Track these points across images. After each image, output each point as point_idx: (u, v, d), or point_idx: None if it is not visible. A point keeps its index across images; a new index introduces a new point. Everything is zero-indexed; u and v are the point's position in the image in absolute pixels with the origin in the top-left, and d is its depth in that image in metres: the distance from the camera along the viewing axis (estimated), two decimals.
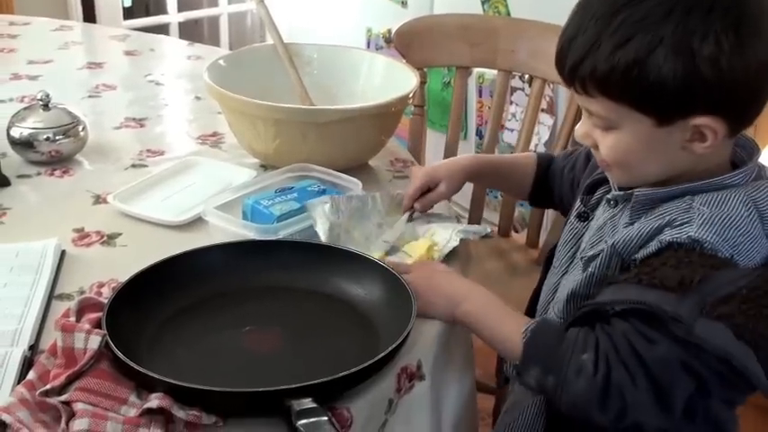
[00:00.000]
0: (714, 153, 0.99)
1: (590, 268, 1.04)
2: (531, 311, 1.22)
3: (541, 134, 2.65)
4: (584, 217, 1.14)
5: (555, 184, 1.33)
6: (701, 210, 0.95)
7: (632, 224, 1.02)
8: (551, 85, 2.39)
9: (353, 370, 0.91)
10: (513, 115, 2.74)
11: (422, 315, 1.06)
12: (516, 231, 2.19)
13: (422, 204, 1.29)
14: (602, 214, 1.10)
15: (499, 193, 2.58)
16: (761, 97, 0.97)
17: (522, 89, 2.67)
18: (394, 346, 0.95)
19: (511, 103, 2.72)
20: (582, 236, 1.13)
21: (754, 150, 1.04)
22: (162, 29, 3.51)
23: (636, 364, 0.93)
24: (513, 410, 1.19)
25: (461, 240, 1.24)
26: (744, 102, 0.96)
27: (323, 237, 1.21)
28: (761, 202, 0.97)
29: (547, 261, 1.22)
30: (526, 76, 2.58)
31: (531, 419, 1.15)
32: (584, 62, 0.96)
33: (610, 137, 1.01)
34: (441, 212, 1.34)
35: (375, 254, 1.18)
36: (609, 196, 1.09)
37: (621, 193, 1.06)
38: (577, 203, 1.17)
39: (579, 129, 1.05)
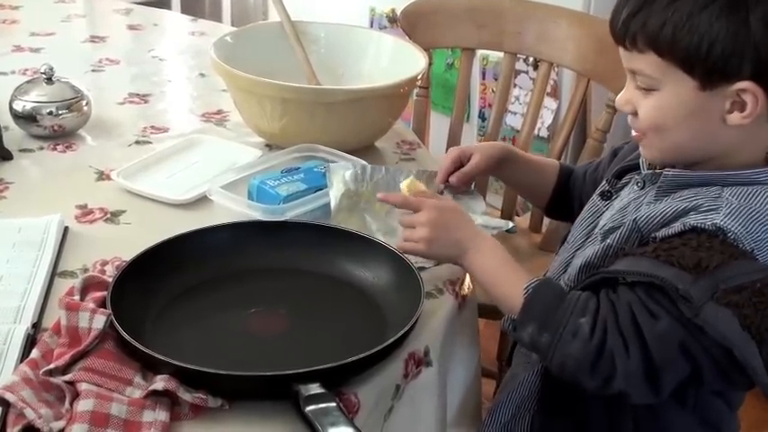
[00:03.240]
0: (749, 142, 0.99)
1: (608, 240, 1.03)
2: None
3: (545, 118, 2.63)
4: (608, 196, 1.14)
5: (575, 193, 1.31)
6: (730, 200, 0.95)
7: (656, 203, 1.01)
8: (556, 69, 2.37)
9: (363, 355, 0.90)
10: (517, 98, 2.72)
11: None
12: (518, 215, 2.18)
13: (457, 178, 1.27)
14: (626, 195, 1.10)
15: None
16: None
17: (527, 72, 2.65)
18: (403, 332, 0.95)
19: (515, 86, 2.70)
20: (602, 214, 1.13)
21: None
22: (164, 3, 3.47)
23: (633, 334, 0.93)
24: (510, 382, 1.19)
25: None
26: None
27: (333, 202, 1.19)
28: None
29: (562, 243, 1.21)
30: (530, 59, 2.56)
31: (525, 393, 1.14)
32: (639, 14, 0.97)
33: (650, 98, 1.00)
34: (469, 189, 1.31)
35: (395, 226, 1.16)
36: (637, 177, 1.09)
37: (651, 172, 1.06)
38: (603, 183, 1.16)
39: (621, 96, 1.05)
